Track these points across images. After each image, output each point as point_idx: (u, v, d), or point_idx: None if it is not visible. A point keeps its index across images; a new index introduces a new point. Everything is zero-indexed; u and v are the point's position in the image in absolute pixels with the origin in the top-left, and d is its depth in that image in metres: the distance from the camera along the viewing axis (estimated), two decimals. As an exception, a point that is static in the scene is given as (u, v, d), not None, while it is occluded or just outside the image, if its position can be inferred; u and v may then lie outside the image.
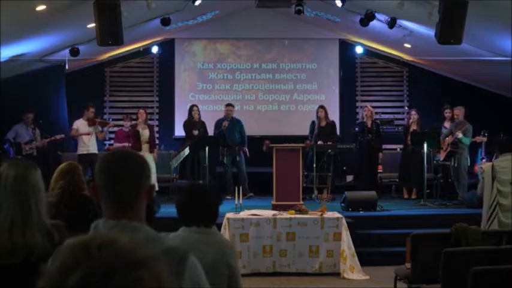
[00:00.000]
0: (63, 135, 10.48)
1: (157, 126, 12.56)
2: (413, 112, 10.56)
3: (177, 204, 2.90)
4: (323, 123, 10.37)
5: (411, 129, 10.26)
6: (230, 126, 10.45)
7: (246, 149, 10.51)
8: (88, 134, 10.04)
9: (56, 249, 1.56)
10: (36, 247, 2.29)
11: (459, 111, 9.77)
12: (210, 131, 10.61)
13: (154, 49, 12.76)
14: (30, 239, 2.31)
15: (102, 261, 0.87)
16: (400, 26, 9.48)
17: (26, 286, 2.14)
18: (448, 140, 9.67)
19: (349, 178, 11.20)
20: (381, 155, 10.56)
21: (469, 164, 9.81)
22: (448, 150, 9.66)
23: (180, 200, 2.90)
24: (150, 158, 9.54)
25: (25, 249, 2.29)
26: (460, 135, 9.48)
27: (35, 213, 2.36)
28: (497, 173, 6.07)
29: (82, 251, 0.89)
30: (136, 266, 0.88)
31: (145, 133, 10.03)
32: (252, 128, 11.32)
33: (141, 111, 10.27)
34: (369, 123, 10.43)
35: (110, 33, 7.37)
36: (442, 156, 9.80)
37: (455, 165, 9.61)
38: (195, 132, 10.28)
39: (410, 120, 10.42)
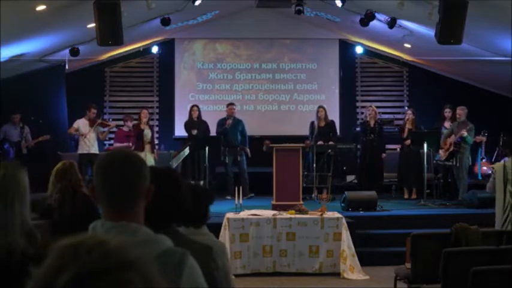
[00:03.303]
0: (46, 137, 10.43)
1: (157, 126, 12.56)
2: (409, 112, 10.55)
3: None
4: (322, 124, 10.35)
5: (406, 129, 10.24)
6: (232, 125, 10.43)
7: (248, 150, 10.48)
8: (83, 134, 9.91)
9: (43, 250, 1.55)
10: (17, 248, 2.26)
11: (462, 111, 9.69)
12: (212, 131, 10.60)
13: (154, 49, 12.76)
14: (13, 239, 2.28)
15: (90, 262, 0.86)
16: (400, 26, 9.48)
17: (6, 286, 2.12)
18: (451, 139, 9.62)
19: (350, 178, 11.18)
20: (384, 155, 10.52)
21: (470, 163, 9.79)
22: (451, 149, 9.62)
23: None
24: (151, 158, 9.55)
25: (6, 249, 2.27)
26: (465, 133, 9.43)
27: (19, 214, 2.33)
28: (507, 174, 5.99)
29: (71, 253, 0.87)
30: (126, 267, 0.87)
31: (148, 133, 10.05)
32: (252, 128, 11.30)
33: (145, 111, 10.28)
34: (372, 123, 10.39)
35: (110, 33, 7.37)
36: (443, 155, 9.76)
37: (457, 164, 9.57)
38: (194, 132, 10.28)
39: (406, 118, 10.41)
